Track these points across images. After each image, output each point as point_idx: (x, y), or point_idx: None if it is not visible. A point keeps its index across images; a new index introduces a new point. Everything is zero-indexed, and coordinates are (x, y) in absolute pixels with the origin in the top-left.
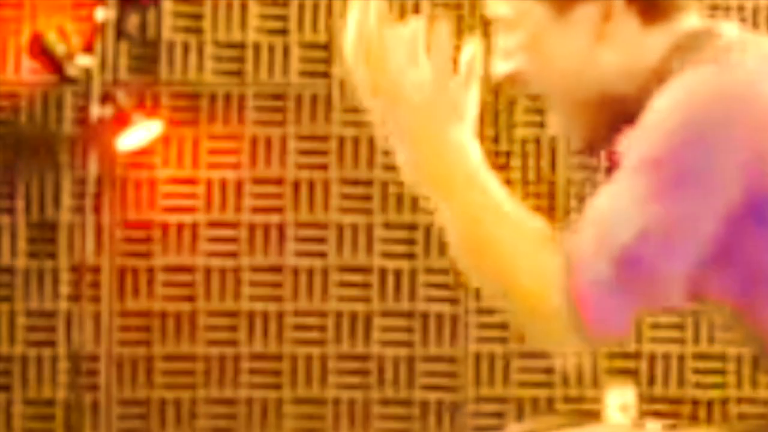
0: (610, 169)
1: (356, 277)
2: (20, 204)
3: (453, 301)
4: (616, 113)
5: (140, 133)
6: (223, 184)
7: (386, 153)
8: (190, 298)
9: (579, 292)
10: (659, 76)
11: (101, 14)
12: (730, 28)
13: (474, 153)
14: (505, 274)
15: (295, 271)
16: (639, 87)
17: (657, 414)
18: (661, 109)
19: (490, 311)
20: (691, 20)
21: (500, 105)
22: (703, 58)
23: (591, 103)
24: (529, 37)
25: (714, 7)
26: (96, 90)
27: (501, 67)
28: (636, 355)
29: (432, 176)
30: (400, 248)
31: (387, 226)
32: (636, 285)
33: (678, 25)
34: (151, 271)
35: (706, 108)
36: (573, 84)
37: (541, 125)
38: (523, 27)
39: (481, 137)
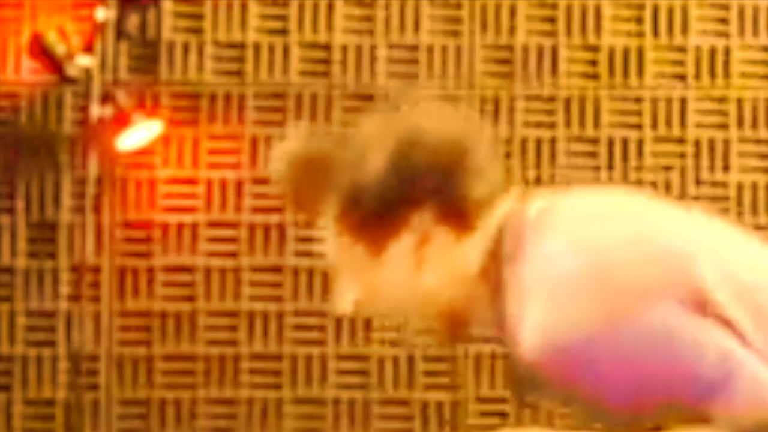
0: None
1: None
2: (20, 204)
3: None
4: (462, 316)
5: (140, 133)
6: (223, 184)
7: None
8: (190, 298)
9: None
10: (486, 278)
11: (101, 14)
12: (535, 206)
13: None
14: None
15: (295, 271)
16: (471, 293)
17: None
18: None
19: None
20: (502, 209)
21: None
22: (516, 250)
23: (435, 313)
24: (356, 275)
25: (715, 7)
26: (96, 90)
27: (344, 303)
28: None
29: None
30: None
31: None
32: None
33: (490, 221)
34: (151, 271)
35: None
36: (411, 306)
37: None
38: (348, 267)
39: None
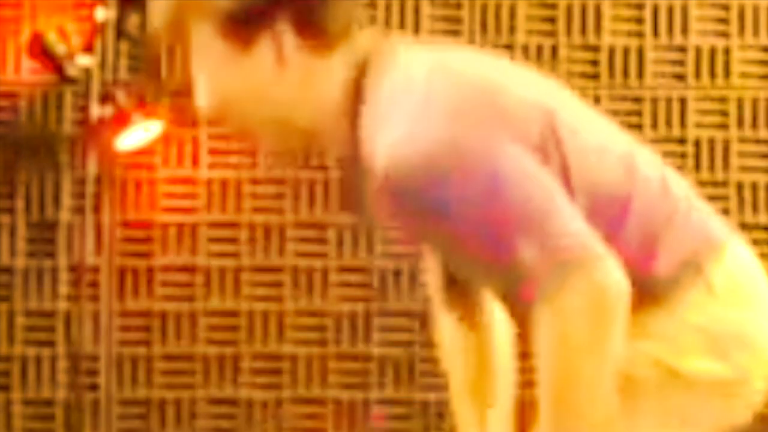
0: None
1: (356, 277)
2: (20, 204)
3: None
4: (316, 137)
5: (140, 133)
6: (223, 184)
7: None
8: (190, 298)
9: None
10: (346, 103)
11: (101, 14)
12: (399, 45)
13: None
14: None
15: (295, 271)
16: (329, 116)
17: None
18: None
19: None
20: (364, 43)
21: None
22: (377, 78)
23: (290, 129)
24: (219, 70)
25: (715, 7)
26: (96, 90)
27: (201, 98)
28: None
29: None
30: (401, 249)
31: (387, 226)
32: None
33: (353, 50)
34: (151, 271)
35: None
36: (267, 115)
37: None
38: (211, 61)
39: None
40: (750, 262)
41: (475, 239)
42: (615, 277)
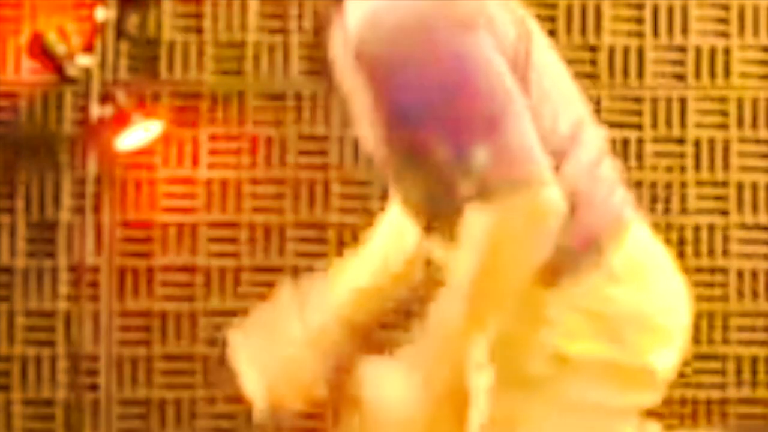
0: None
1: None
2: (20, 204)
3: None
4: None
5: (140, 133)
6: (223, 184)
7: None
8: (190, 298)
9: None
10: None
11: (101, 14)
12: None
13: None
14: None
15: (295, 271)
16: None
17: (656, 415)
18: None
19: None
20: None
21: None
22: None
23: None
24: None
25: (715, 7)
26: (96, 90)
27: None
28: None
29: None
30: None
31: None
32: None
33: None
34: (151, 271)
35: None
36: None
37: None
38: None
39: None
40: (649, 244)
41: (432, 130)
42: (557, 204)
